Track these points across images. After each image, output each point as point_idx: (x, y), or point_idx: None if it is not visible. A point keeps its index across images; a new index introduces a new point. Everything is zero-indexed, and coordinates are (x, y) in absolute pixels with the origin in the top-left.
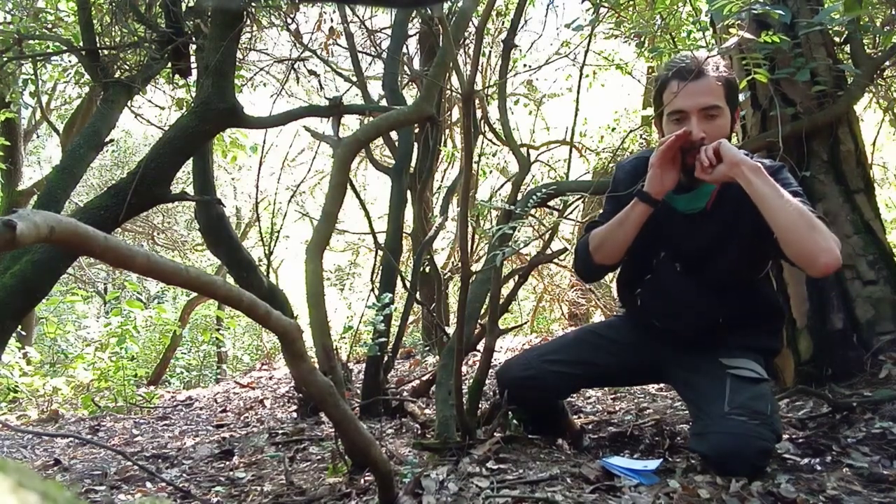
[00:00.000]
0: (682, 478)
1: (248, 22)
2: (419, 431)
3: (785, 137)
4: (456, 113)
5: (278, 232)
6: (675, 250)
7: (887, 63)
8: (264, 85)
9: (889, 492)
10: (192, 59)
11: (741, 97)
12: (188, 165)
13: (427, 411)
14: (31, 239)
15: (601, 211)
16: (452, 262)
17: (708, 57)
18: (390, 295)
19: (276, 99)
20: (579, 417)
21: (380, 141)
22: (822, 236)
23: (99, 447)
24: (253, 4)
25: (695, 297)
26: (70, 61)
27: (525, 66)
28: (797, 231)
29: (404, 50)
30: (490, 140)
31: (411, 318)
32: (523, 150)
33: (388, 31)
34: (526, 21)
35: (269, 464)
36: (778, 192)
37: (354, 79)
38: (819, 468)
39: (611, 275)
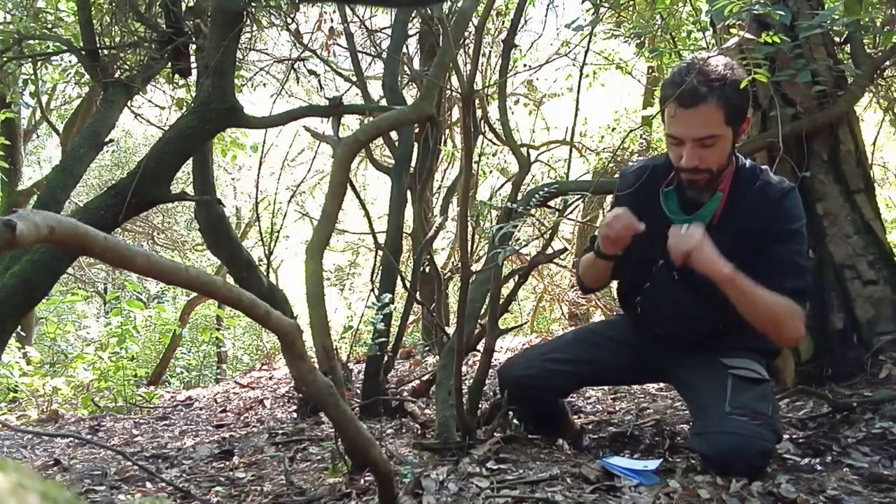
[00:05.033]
0: (682, 478)
1: (248, 22)
2: (419, 431)
3: (785, 137)
4: (456, 113)
5: (278, 232)
6: (673, 260)
7: (887, 63)
8: (264, 85)
9: (889, 492)
10: (192, 59)
11: None
12: (188, 165)
13: (427, 411)
14: (31, 239)
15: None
16: (452, 262)
17: (713, 79)
18: (390, 295)
19: (276, 99)
20: (579, 417)
21: (380, 141)
22: (785, 330)
23: (99, 447)
24: (253, 4)
25: (693, 305)
26: (70, 61)
27: (525, 66)
28: (764, 327)
29: (404, 50)
30: (490, 140)
31: (411, 318)
32: (523, 150)
33: (388, 31)
34: (526, 21)
35: (269, 464)
36: (748, 298)
37: (354, 79)
38: (819, 468)
39: None
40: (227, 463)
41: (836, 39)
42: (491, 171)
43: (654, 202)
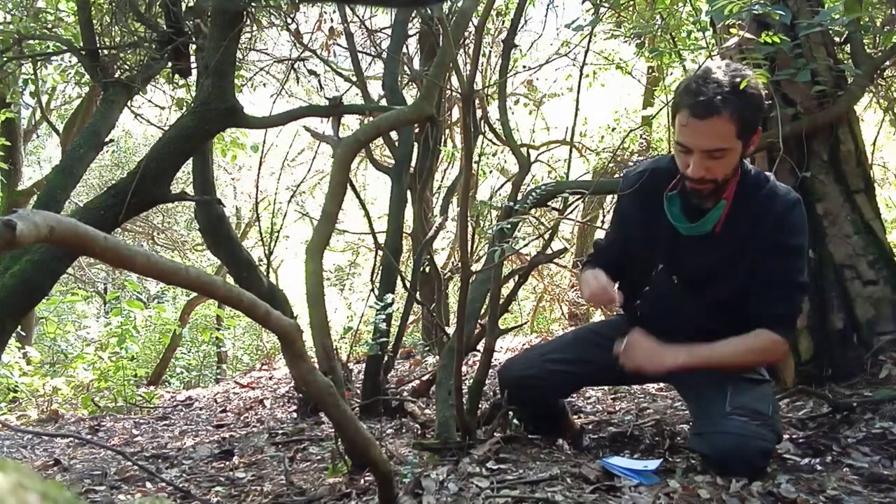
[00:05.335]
0: (682, 478)
1: (248, 22)
2: (419, 431)
3: (785, 137)
4: (456, 113)
5: (278, 232)
6: (674, 265)
7: (887, 63)
8: (264, 85)
9: (889, 492)
10: (192, 59)
11: None
12: (188, 165)
13: (427, 411)
14: (31, 239)
15: (606, 230)
16: (452, 262)
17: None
18: (392, 295)
19: (276, 99)
20: (579, 417)
21: (380, 141)
22: (758, 364)
23: (99, 447)
24: (253, 4)
25: (693, 310)
26: (70, 61)
27: (524, 66)
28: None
29: (404, 50)
30: (490, 140)
31: (411, 318)
32: (523, 150)
33: (388, 31)
34: (526, 21)
35: (269, 464)
36: (715, 364)
37: (354, 79)
38: (819, 468)
39: None
40: (227, 463)
41: (836, 39)
42: (491, 171)
43: (658, 206)
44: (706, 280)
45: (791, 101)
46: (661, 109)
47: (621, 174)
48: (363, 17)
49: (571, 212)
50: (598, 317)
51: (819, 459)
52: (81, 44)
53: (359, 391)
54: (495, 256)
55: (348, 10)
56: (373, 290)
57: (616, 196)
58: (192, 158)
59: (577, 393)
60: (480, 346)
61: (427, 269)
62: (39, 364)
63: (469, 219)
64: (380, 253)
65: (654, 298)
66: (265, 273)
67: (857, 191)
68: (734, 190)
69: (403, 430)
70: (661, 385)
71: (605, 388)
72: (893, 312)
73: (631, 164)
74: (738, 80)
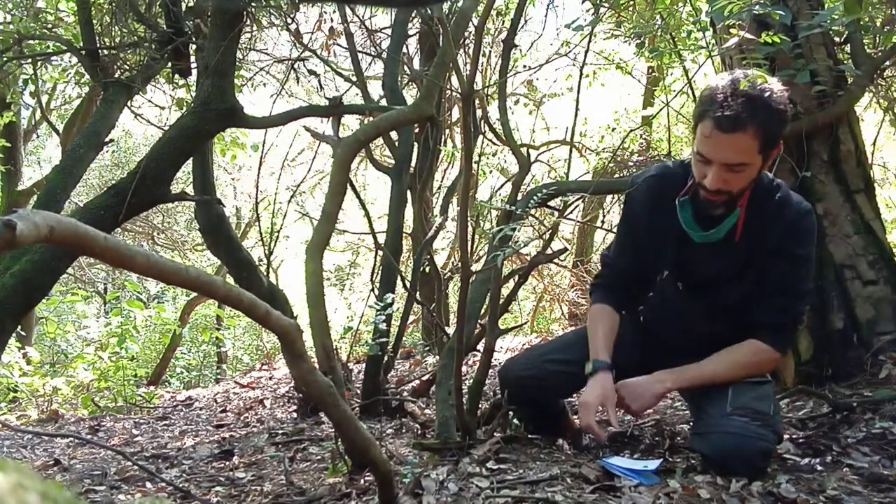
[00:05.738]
0: (682, 478)
1: (248, 22)
2: (419, 431)
3: (785, 137)
4: (456, 113)
5: (278, 232)
6: (680, 271)
7: (887, 63)
8: (264, 85)
9: (889, 492)
10: (192, 59)
11: None
12: (188, 165)
13: (427, 411)
14: (31, 239)
15: (615, 236)
16: (452, 262)
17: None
18: (392, 295)
19: (276, 99)
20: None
21: (380, 141)
22: (750, 375)
23: (99, 447)
24: (253, 4)
25: (697, 315)
26: (70, 61)
27: (525, 66)
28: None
29: (404, 50)
30: (490, 140)
31: (411, 318)
32: (523, 150)
33: (388, 31)
34: (526, 21)
35: (269, 464)
36: (703, 382)
37: (354, 79)
38: (819, 468)
39: None
40: (227, 463)
41: (836, 39)
42: (491, 171)
43: (668, 210)
44: (712, 286)
45: (791, 101)
46: (661, 109)
47: (625, 175)
48: (363, 17)
49: (571, 212)
50: None
51: (819, 459)
52: (81, 44)
53: (359, 391)
54: (497, 260)
55: (348, 10)
56: (373, 290)
57: (623, 202)
58: (192, 158)
59: (578, 393)
60: (480, 346)
61: (427, 269)
62: (39, 364)
63: (469, 219)
64: (380, 253)
65: (657, 304)
66: (265, 273)
67: (857, 191)
68: (747, 198)
69: (403, 430)
70: None
71: None
72: (893, 312)
73: (631, 164)
74: (766, 93)
